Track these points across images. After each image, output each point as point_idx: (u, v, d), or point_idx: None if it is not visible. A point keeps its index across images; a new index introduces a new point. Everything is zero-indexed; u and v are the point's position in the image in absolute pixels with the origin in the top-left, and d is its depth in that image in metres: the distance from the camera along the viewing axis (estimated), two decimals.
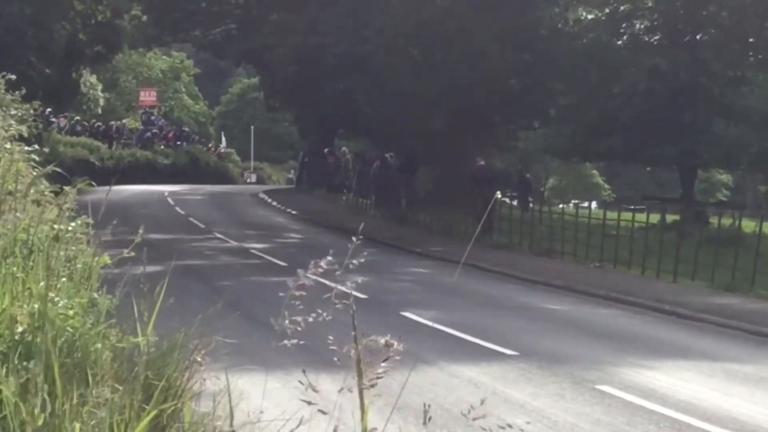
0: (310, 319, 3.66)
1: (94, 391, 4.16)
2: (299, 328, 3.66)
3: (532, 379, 11.73)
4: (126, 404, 4.23)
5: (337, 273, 3.69)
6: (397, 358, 3.63)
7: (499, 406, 10.13)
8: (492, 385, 11.20)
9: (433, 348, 12.98)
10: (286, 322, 3.66)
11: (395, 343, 3.62)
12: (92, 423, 4.04)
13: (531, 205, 35.81)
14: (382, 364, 3.64)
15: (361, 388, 3.59)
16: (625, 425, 9.79)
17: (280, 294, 3.71)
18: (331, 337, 3.64)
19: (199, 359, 4.75)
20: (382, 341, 3.61)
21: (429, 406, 3.80)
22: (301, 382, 3.69)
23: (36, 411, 3.95)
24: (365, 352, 3.63)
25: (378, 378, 3.64)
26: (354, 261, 3.72)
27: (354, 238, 3.83)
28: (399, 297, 18.37)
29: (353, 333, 3.64)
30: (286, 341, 3.72)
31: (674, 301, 18.95)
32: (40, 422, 3.96)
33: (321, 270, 3.66)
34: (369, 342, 3.62)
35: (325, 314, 3.68)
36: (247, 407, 4.75)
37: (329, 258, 3.72)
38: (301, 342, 3.69)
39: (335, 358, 3.68)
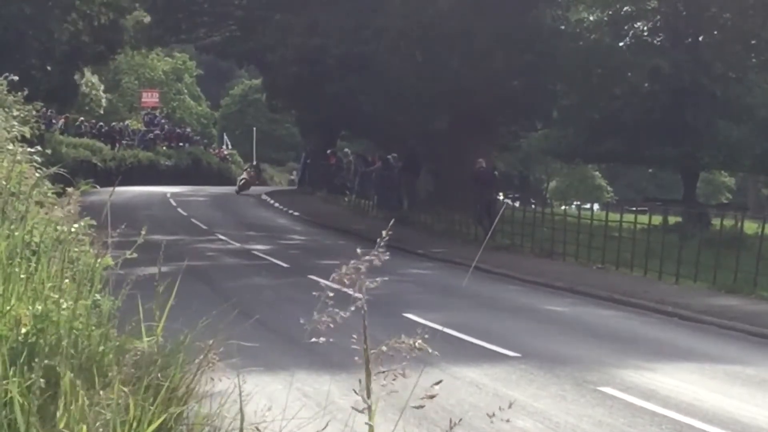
0: (346, 314, 3.66)
1: (101, 393, 4.17)
2: (332, 326, 3.67)
3: (533, 380, 11.74)
4: (132, 405, 4.24)
5: (372, 284, 3.70)
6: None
7: (500, 407, 10.12)
8: (494, 387, 11.21)
9: (435, 349, 12.97)
10: (323, 318, 3.66)
11: (426, 347, 3.63)
12: (98, 425, 4.05)
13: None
14: (435, 387, 3.64)
15: (369, 389, 3.60)
16: (626, 427, 9.79)
17: (314, 293, 3.73)
18: (354, 336, 3.65)
19: (209, 361, 4.77)
20: (411, 342, 3.62)
21: (459, 421, 3.82)
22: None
23: (58, 414, 3.96)
24: (388, 355, 3.63)
25: (430, 398, 3.64)
26: (377, 259, 3.71)
27: (384, 234, 3.82)
28: (401, 298, 18.36)
29: (363, 332, 3.66)
30: (314, 338, 3.74)
31: (676, 303, 18.95)
32: (61, 425, 3.97)
33: (352, 275, 3.66)
34: (395, 344, 3.62)
35: (344, 313, 3.69)
36: (253, 408, 4.77)
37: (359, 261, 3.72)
38: (331, 340, 3.71)
39: (356, 358, 3.69)
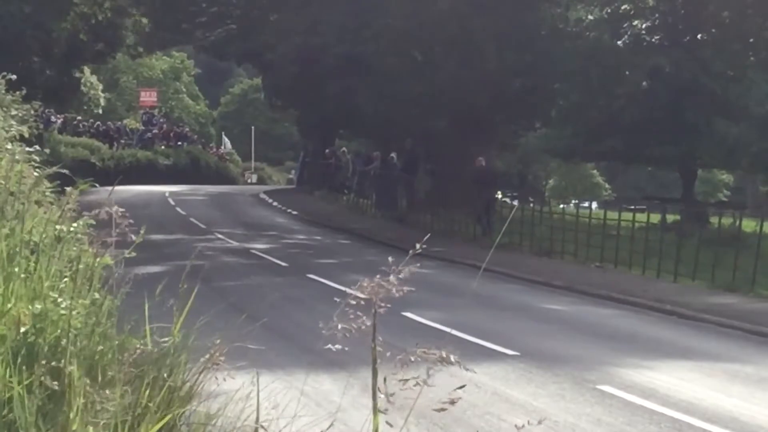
0: (363, 327, 3.69)
1: (107, 391, 4.17)
2: (347, 335, 3.69)
3: (532, 379, 11.74)
4: (133, 405, 4.24)
5: (398, 293, 3.74)
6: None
7: (499, 406, 10.15)
8: (492, 385, 11.21)
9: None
10: (339, 327, 3.68)
11: (452, 358, 3.65)
12: (101, 424, 4.05)
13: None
14: (458, 392, 3.65)
15: (375, 389, 3.61)
16: (625, 425, 9.80)
17: (336, 299, 3.75)
18: (380, 338, 3.67)
19: (215, 361, 4.78)
20: (438, 354, 3.64)
21: None
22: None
23: (71, 415, 3.96)
24: (400, 360, 3.65)
25: (450, 403, 3.65)
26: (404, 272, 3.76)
27: (418, 246, 3.88)
28: (399, 297, 18.35)
29: (373, 334, 3.67)
30: (330, 345, 3.76)
31: (675, 301, 18.96)
32: (74, 426, 3.97)
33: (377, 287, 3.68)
34: (423, 353, 3.65)
35: (367, 321, 3.71)
36: (254, 407, 4.77)
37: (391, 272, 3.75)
38: (346, 348, 3.73)
39: (379, 361, 3.71)
